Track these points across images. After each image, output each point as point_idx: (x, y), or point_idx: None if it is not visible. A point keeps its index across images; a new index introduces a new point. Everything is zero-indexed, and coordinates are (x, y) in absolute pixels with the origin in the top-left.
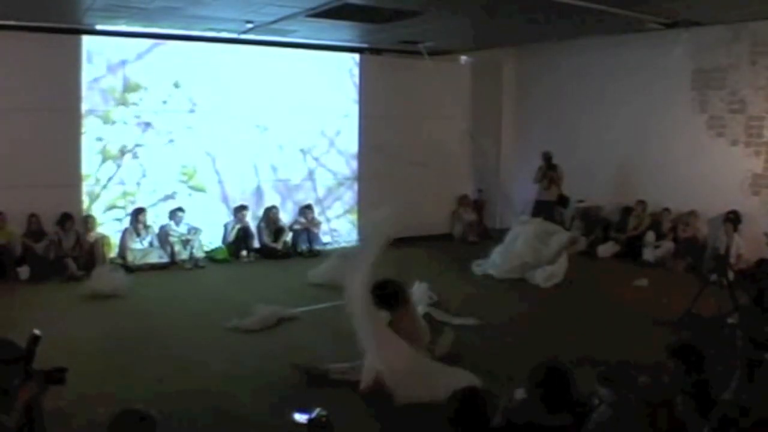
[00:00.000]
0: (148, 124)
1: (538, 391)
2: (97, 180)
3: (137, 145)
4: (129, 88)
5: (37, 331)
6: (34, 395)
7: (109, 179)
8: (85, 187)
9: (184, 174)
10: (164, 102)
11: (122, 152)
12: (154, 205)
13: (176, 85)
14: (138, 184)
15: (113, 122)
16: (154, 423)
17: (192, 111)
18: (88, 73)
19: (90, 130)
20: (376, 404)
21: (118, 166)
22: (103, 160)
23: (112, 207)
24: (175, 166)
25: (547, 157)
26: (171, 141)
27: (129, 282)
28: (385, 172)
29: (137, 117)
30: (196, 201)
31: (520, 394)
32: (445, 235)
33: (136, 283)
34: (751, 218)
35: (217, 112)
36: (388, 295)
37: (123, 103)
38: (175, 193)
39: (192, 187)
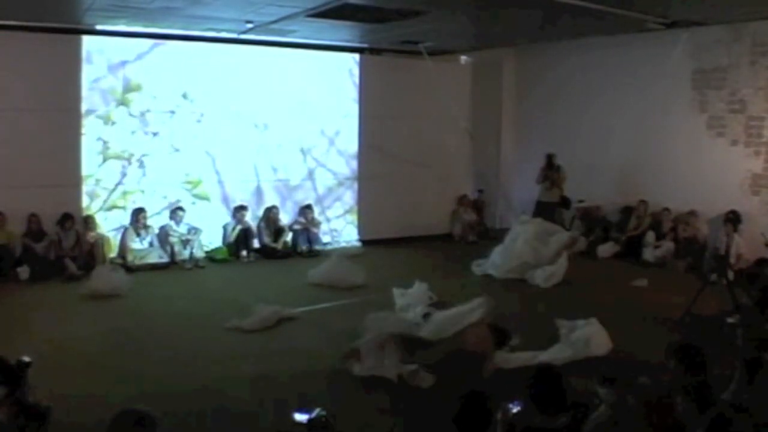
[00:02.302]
0: (156, 134)
1: (531, 395)
2: (97, 181)
3: (144, 155)
4: (129, 88)
5: (26, 358)
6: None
7: (114, 188)
8: (86, 187)
9: (189, 183)
10: (172, 112)
11: (128, 160)
12: (158, 213)
13: (185, 96)
14: (143, 191)
15: (113, 123)
16: (154, 423)
17: (199, 121)
18: (88, 73)
19: (90, 131)
20: (379, 403)
21: (123, 175)
22: (104, 160)
23: (112, 207)
24: (180, 174)
25: (549, 158)
26: (176, 150)
27: (129, 282)
28: (385, 172)
29: (145, 125)
30: (199, 209)
31: (515, 407)
32: (445, 235)
33: (136, 283)
34: (751, 218)
35: (217, 112)
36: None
37: (123, 103)
38: (179, 201)
39: (196, 195)
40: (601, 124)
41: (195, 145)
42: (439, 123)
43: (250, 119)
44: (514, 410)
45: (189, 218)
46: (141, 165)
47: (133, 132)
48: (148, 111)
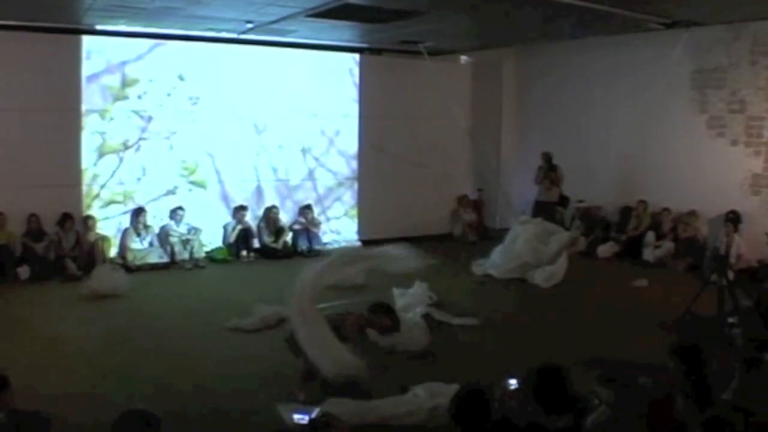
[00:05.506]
0: (150, 118)
1: (534, 393)
2: (95, 176)
3: (141, 138)
4: (127, 83)
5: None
6: None
7: (112, 175)
8: (83, 182)
9: (185, 169)
10: (168, 94)
11: (124, 146)
12: (156, 199)
13: (181, 78)
14: (138, 179)
15: (111, 118)
16: (158, 423)
17: (195, 103)
18: (86, 69)
19: (88, 126)
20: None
21: (121, 160)
22: (100, 156)
23: (110, 202)
24: (176, 161)
25: (547, 158)
26: (173, 133)
27: (129, 282)
28: (385, 172)
29: (142, 112)
30: (196, 197)
31: (513, 384)
32: (445, 235)
33: (136, 283)
34: (751, 218)
35: (217, 112)
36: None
37: (121, 98)
38: (176, 188)
39: (193, 182)
40: (601, 124)
41: (190, 133)
42: (439, 123)
43: (250, 119)
44: (513, 386)
45: (188, 209)
46: (137, 149)
47: (128, 118)
48: (145, 107)
